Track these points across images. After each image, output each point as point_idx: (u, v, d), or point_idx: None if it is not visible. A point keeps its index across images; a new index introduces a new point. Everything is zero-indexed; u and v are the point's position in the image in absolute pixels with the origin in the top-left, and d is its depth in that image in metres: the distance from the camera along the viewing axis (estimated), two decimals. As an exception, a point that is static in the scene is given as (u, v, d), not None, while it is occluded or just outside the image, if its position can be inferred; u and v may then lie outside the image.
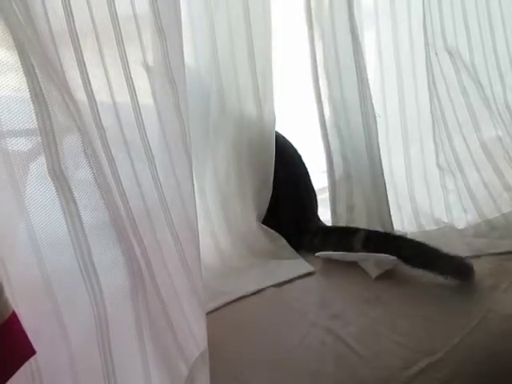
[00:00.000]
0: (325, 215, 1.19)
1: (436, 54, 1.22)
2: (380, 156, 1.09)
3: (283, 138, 1.14)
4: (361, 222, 1.11)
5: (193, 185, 0.78)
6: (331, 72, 1.07)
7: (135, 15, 0.74)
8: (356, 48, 1.05)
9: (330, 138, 1.11)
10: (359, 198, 1.12)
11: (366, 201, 1.12)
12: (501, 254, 1.09)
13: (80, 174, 0.57)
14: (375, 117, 1.08)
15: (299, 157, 1.17)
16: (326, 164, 1.13)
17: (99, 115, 0.65)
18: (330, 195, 1.14)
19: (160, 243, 0.72)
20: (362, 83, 1.07)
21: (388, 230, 1.09)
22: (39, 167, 0.55)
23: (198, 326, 0.76)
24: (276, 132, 1.10)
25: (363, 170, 1.11)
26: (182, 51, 0.77)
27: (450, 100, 1.24)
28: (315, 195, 1.18)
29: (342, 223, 1.14)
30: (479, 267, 1.03)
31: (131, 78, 0.71)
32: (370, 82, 1.18)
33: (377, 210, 1.10)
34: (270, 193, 1.08)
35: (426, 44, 1.19)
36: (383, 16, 1.18)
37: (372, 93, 1.19)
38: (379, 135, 1.21)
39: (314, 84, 1.09)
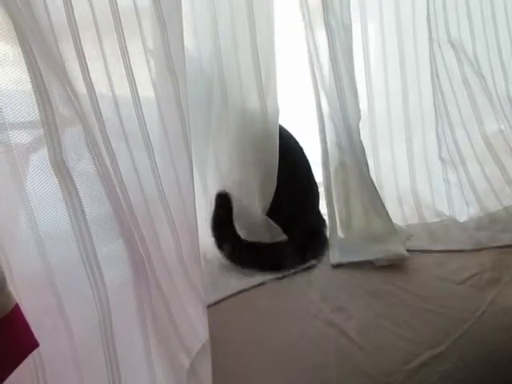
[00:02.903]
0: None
1: (439, 46, 1.21)
2: (363, 147, 1.09)
3: (285, 130, 1.13)
4: (357, 212, 1.12)
5: (192, 177, 0.77)
6: (323, 64, 1.07)
7: (136, 6, 0.73)
8: (346, 41, 1.05)
9: (326, 128, 1.11)
10: (354, 188, 1.13)
11: (361, 190, 1.12)
12: (502, 247, 1.09)
13: (82, 166, 0.57)
14: (359, 111, 1.09)
15: (301, 149, 1.16)
16: (321, 155, 1.13)
17: (99, 107, 0.65)
18: (324, 187, 1.14)
19: (158, 235, 0.72)
20: (350, 77, 1.07)
21: (384, 219, 1.10)
22: (42, 159, 0.55)
23: (199, 318, 0.76)
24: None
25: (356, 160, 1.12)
26: (183, 42, 0.76)
27: (452, 93, 1.23)
28: (317, 188, 1.18)
29: (337, 213, 1.13)
30: (481, 260, 1.03)
31: (131, 69, 0.71)
32: (373, 74, 1.18)
33: (370, 200, 1.11)
34: (275, 186, 1.07)
35: (430, 36, 1.19)
36: (387, 8, 1.17)
37: (375, 84, 1.19)
38: (382, 127, 1.21)
39: (311, 76, 1.08)
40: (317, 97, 1.09)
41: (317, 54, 1.06)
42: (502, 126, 1.30)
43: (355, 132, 1.09)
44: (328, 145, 1.12)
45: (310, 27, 1.05)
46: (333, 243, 1.10)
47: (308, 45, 1.06)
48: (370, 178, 1.10)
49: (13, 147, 0.54)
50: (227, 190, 1.05)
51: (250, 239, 1.06)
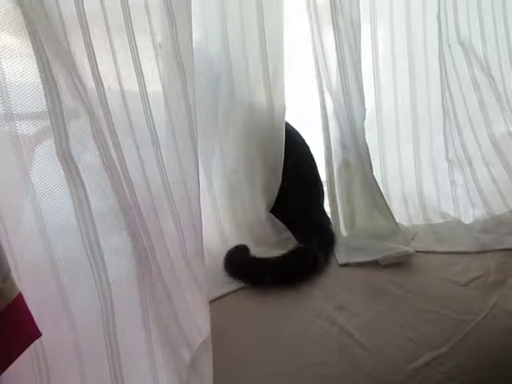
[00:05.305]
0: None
1: (449, 46, 1.20)
2: (367, 145, 1.08)
3: (291, 127, 1.13)
4: (360, 211, 1.12)
5: (197, 172, 0.77)
6: (330, 62, 1.07)
7: (146, 0, 0.73)
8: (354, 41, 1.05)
9: (330, 126, 1.10)
10: (357, 187, 1.12)
11: (364, 189, 1.11)
12: (507, 250, 1.08)
13: (88, 158, 0.57)
14: (364, 110, 1.08)
15: (307, 147, 1.16)
16: (325, 153, 1.12)
17: (106, 99, 0.65)
18: (327, 185, 1.14)
19: (162, 229, 0.72)
20: (356, 76, 1.06)
21: (387, 218, 1.10)
22: (48, 150, 0.55)
23: (201, 313, 0.76)
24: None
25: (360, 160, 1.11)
26: (192, 37, 0.76)
27: (461, 93, 1.23)
28: (322, 186, 1.18)
29: (340, 212, 1.13)
30: (485, 263, 1.03)
31: (140, 63, 0.71)
32: (381, 73, 1.18)
33: (373, 199, 1.11)
34: (280, 182, 1.07)
35: (440, 36, 1.18)
36: (397, 6, 1.17)
37: (383, 84, 1.19)
38: (390, 127, 1.21)
39: (316, 74, 1.08)
40: (321, 95, 1.09)
41: (323, 53, 1.06)
42: (511, 128, 1.29)
43: (359, 131, 1.09)
44: (332, 143, 1.12)
45: (316, 25, 1.04)
46: (338, 242, 1.10)
47: (314, 43, 1.06)
48: (374, 177, 1.10)
49: (19, 138, 0.54)
50: (232, 186, 1.05)
51: (254, 236, 1.06)
